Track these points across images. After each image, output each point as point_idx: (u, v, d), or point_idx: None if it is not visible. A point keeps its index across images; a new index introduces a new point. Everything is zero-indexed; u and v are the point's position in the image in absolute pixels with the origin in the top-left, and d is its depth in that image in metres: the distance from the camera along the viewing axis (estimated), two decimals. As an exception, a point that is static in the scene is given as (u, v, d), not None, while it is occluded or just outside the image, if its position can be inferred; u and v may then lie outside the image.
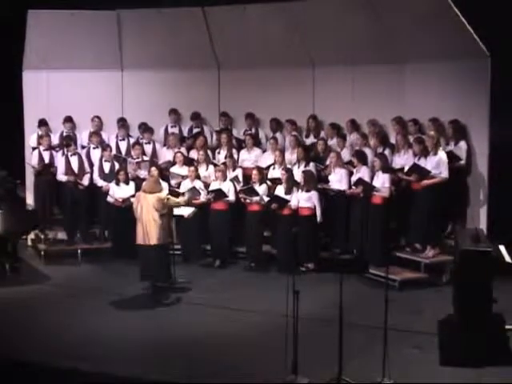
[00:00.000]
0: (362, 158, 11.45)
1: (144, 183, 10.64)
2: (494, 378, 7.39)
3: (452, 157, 10.89)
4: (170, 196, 10.45)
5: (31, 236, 13.03)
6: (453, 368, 7.58)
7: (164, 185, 11.38)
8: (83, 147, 13.33)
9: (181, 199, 10.78)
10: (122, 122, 13.51)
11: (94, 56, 13.42)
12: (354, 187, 11.40)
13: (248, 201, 11.78)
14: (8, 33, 12.96)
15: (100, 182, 12.70)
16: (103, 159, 12.79)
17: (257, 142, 13.04)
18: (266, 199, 11.70)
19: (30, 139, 13.37)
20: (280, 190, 11.64)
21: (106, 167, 12.76)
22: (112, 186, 12.35)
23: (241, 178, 12.29)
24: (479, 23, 10.46)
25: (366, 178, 11.23)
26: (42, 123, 13.21)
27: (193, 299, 10.20)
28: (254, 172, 11.94)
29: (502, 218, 10.63)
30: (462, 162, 11.07)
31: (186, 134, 13.58)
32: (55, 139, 13.34)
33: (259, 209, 11.82)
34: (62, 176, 12.69)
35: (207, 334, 8.75)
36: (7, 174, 12.36)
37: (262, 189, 11.81)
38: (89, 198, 12.81)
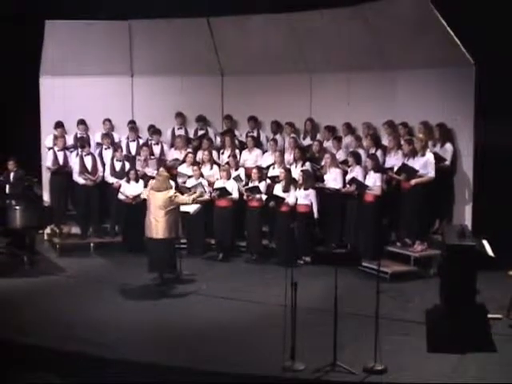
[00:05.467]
0: (356, 158, 11.50)
1: (153, 182, 10.68)
2: (477, 363, 7.45)
3: (437, 158, 10.92)
4: (177, 194, 10.49)
5: (47, 231, 13.04)
6: (439, 354, 7.62)
7: (172, 183, 11.39)
8: (98, 144, 13.37)
9: (188, 198, 10.75)
10: (132, 125, 13.55)
11: (106, 63, 13.44)
12: (348, 186, 11.45)
13: (251, 197, 11.84)
14: (27, 42, 13.02)
15: (111, 179, 12.76)
16: (115, 159, 12.85)
17: (257, 143, 13.09)
18: (265, 197, 11.76)
19: (46, 140, 13.41)
20: (278, 188, 11.69)
21: (117, 166, 12.81)
22: (123, 183, 12.41)
23: (243, 177, 12.34)
24: (465, 34, 10.49)
25: (360, 178, 11.26)
26: (58, 125, 13.24)
27: (197, 290, 10.24)
28: (254, 171, 12.01)
29: (486, 214, 10.66)
30: (447, 162, 11.08)
31: (191, 135, 13.64)
32: (69, 140, 13.38)
33: (259, 205, 11.88)
34: (78, 178, 12.74)
35: (210, 322, 8.79)
36: (25, 173, 12.44)
37: (261, 186, 11.87)
38: (101, 195, 12.86)
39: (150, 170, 12.62)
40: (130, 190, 12.31)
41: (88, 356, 7.76)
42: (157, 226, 10.19)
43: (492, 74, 10.43)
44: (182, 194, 11.43)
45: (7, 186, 12.37)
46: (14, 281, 10.75)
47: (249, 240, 12.17)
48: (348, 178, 11.46)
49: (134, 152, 13.25)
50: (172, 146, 13.40)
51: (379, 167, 11.26)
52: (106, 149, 13.16)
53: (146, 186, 11.77)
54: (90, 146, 13.13)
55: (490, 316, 8.49)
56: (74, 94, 13.46)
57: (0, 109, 13.77)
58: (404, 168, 10.92)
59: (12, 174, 12.47)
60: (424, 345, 7.89)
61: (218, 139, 13.55)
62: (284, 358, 7.28)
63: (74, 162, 12.85)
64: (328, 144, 12.52)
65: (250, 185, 11.99)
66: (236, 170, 12.43)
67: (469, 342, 7.75)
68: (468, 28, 10.34)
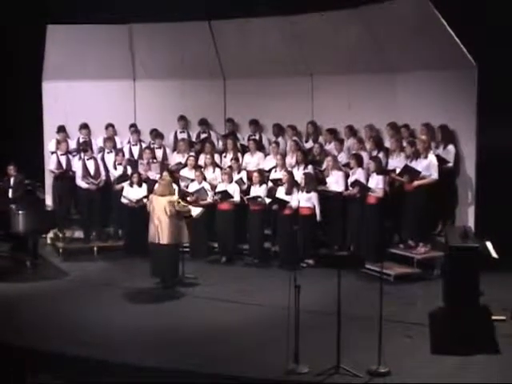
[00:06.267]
0: (358, 160, 11.46)
1: (156, 186, 10.66)
2: (480, 365, 7.40)
3: (440, 160, 10.88)
4: (180, 200, 10.45)
5: (50, 235, 13.02)
6: (443, 356, 7.58)
7: (175, 187, 11.35)
8: (102, 148, 13.35)
9: (190, 207, 10.66)
10: (134, 128, 13.54)
11: (108, 67, 13.43)
12: (350, 188, 11.41)
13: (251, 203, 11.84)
14: (29, 46, 13.01)
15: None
16: (117, 163, 12.83)
17: (259, 147, 13.06)
18: (267, 200, 11.73)
19: (49, 144, 13.39)
20: (281, 191, 11.65)
21: (120, 170, 12.79)
22: (126, 187, 12.37)
23: (245, 180, 12.31)
24: (466, 35, 10.46)
25: (362, 180, 11.23)
26: (61, 129, 13.23)
27: (200, 293, 10.20)
28: (255, 174, 11.99)
29: (489, 216, 10.62)
30: (450, 164, 11.03)
31: (193, 139, 13.62)
32: (72, 144, 13.36)
33: (261, 209, 11.84)
34: (81, 182, 12.70)
35: (213, 325, 8.76)
36: (25, 178, 12.38)
37: (262, 189, 11.86)
38: (104, 199, 12.83)
39: (153, 174, 12.60)
40: (133, 193, 12.28)
41: (90, 359, 7.73)
42: (161, 231, 10.14)
43: (494, 75, 10.41)
44: (185, 197, 11.41)
45: (10, 191, 12.34)
46: (16, 285, 10.72)
47: (251, 243, 12.13)
48: (350, 180, 11.42)
49: (136, 156, 13.22)
50: (174, 149, 13.38)
51: (382, 169, 11.22)
52: (108, 153, 13.14)
53: (149, 190, 11.76)
54: (92, 150, 13.13)
55: (493, 317, 8.44)
56: (76, 98, 13.46)
57: (2, 113, 13.74)
58: (406, 170, 10.88)
59: (12, 179, 12.43)
60: (427, 347, 7.85)
61: (220, 142, 13.52)
62: (287, 360, 7.23)
63: (77, 166, 12.83)
64: (330, 146, 12.50)
65: (252, 189, 11.97)
66: (238, 173, 12.39)
67: (472, 344, 7.70)
68: (469, 29, 10.30)
